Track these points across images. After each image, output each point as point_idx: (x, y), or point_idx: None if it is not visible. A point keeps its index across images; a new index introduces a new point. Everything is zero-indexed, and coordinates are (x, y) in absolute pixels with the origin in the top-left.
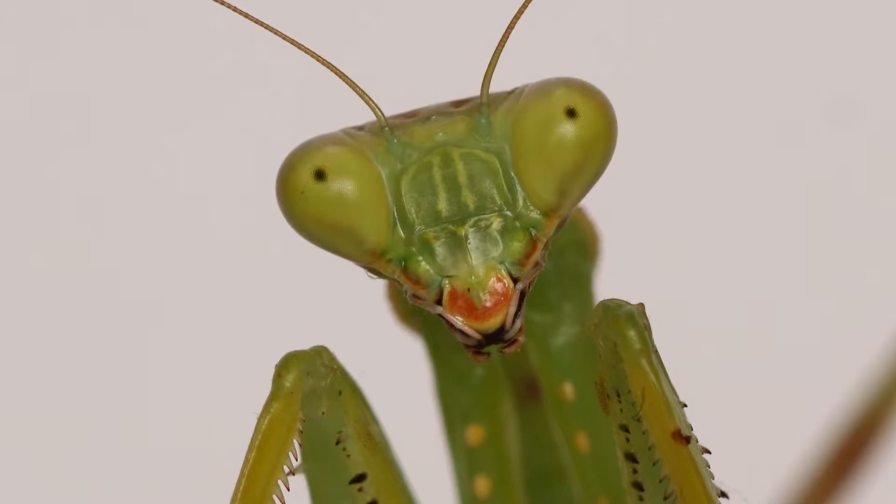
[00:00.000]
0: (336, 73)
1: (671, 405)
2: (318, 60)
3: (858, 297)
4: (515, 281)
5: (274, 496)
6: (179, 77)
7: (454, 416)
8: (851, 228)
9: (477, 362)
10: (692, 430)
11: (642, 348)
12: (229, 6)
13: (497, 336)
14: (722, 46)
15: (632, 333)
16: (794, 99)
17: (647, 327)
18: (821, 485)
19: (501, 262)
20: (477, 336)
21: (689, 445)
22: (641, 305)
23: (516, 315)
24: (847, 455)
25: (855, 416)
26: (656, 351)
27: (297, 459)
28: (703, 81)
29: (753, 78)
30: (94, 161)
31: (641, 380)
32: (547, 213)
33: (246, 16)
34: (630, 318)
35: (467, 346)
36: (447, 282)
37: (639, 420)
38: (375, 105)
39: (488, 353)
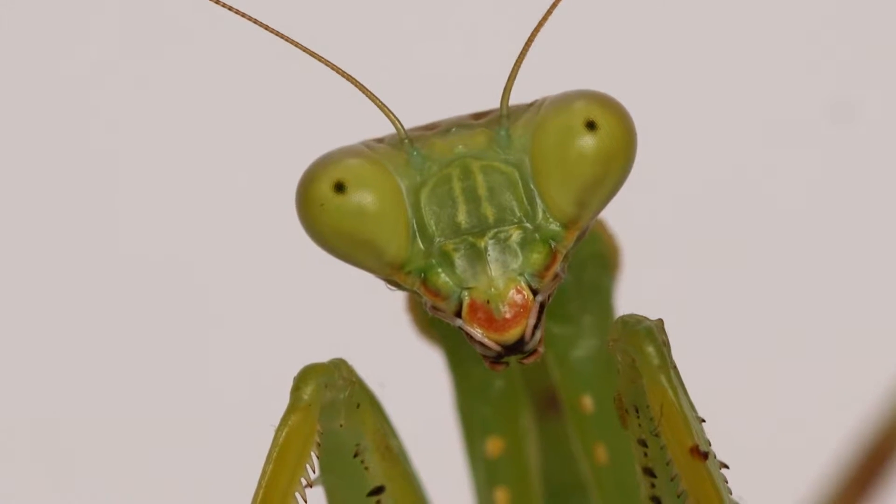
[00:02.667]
0: (356, 86)
1: (689, 421)
2: (337, 72)
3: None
4: (535, 293)
5: None
6: (197, 90)
7: (474, 428)
8: (855, 230)
9: (495, 373)
10: (710, 445)
11: (661, 364)
12: (250, 18)
13: (516, 348)
14: (742, 57)
15: (650, 349)
16: (795, 101)
17: (666, 343)
18: (841, 501)
19: (521, 274)
20: (496, 348)
21: (707, 461)
22: (660, 321)
23: (536, 327)
24: (868, 471)
25: (876, 432)
26: (675, 367)
27: (314, 472)
28: (725, 97)
29: (770, 87)
30: (101, 174)
31: (660, 395)
32: (566, 225)
33: (267, 28)
34: (649, 334)
35: (486, 357)
36: (467, 293)
37: (657, 435)
38: (395, 117)
39: (506, 363)
